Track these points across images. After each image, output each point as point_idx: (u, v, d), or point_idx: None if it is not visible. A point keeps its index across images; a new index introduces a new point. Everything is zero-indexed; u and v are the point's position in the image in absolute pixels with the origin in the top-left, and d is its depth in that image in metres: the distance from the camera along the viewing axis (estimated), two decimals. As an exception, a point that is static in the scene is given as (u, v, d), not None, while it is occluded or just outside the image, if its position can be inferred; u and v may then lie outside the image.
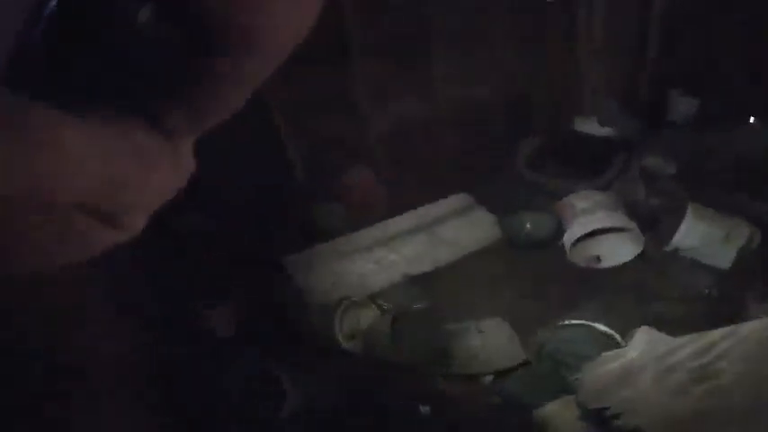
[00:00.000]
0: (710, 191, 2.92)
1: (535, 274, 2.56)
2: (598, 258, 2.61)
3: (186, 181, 0.32)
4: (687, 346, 1.82)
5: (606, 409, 1.76)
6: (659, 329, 2.15)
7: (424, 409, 1.99)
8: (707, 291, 2.41)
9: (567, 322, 2.20)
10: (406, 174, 3.03)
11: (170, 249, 2.45)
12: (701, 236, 2.52)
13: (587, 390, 1.88)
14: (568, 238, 2.63)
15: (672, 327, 2.19)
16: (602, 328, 2.14)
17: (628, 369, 1.86)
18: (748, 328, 1.78)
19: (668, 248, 2.56)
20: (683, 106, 3.48)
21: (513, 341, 2.20)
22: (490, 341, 2.17)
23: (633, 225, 2.61)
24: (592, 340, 2.11)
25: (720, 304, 2.34)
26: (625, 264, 2.57)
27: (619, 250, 2.62)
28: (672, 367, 1.77)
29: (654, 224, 2.73)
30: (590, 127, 3.29)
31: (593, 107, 3.38)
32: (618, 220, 2.62)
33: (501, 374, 2.10)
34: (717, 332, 1.81)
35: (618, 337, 2.11)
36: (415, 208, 2.94)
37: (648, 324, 2.19)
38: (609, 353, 1.99)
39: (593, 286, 2.47)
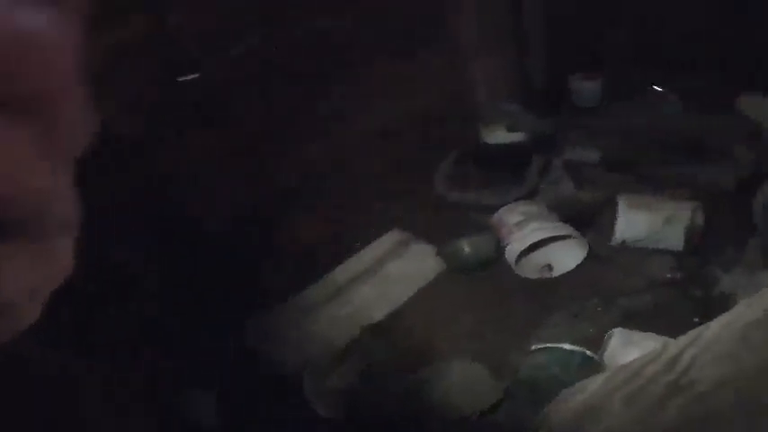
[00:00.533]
0: (638, 169, 2.93)
1: (493, 297, 2.45)
2: (549, 267, 2.53)
3: (63, 275, 0.31)
4: (654, 362, 1.74)
5: None
6: (633, 325, 2.10)
7: None
8: (669, 275, 2.36)
9: (534, 347, 2.09)
10: (332, 217, 2.96)
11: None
12: (641, 225, 2.47)
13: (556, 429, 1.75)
14: (509, 256, 2.53)
15: (645, 319, 2.15)
16: (568, 347, 2.03)
17: (597, 397, 1.71)
18: (711, 331, 1.71)
19: (614, 243, 2.52)
20: (586, 90, 3.49)
21: (484, 378, 2.08)
22: (460, 383, 2.06)
23: (570, 230, 2.54)
24: (564, 361, 2.01)
25: (688, 283, 2.31)
26: (579, 267, 2.48)
27: (565, 255, 2.54)
28: (643, 385, 1.69)
29: (592, 219, 2.70)
30: (499, 136, 3.24)
31: (496, 114, 3.35)
32: (553, 228, 2.54)
33: (484, 413, 1.99)
34: (680, 341, 1.66)
35: (588, 352, 2.01)
36: (350, 252, 2.84)
37: (621, 323, 2.14)
38: (571, 388, 1.80)
39: (554, 297, 2.38)
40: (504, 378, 2.08)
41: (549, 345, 2.06)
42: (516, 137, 3.19)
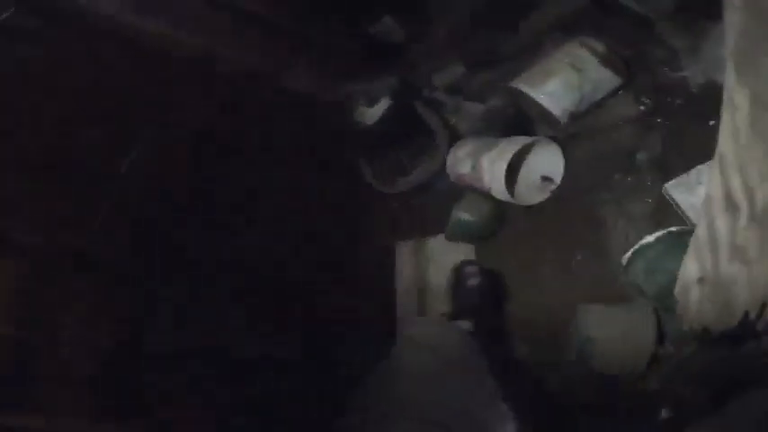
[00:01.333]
0: (500, 51, 2.76)
1: (535, 240, 2.25)
2: (548, 179, 2.30)
3: None
4: (717, 212, 1.52)
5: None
6: (668, 169, 1.96)
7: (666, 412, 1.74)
8: (642, 107, 2.18)
9: (625, 259, 1.86)
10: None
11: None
12: (562, 92, 2.26)
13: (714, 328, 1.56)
14: (502, 197, 2.27)
15: (668, 154, 2.02)
16: (652, 238, 1.79)
17: (711, 278, 1.52)
18: (728, 147, 1.51)
19: (566, 122, 2.31)
20: (386, 25, 3.22)
21: (621, 315, 1.84)
22: (611, 332, 1.81)
23: (523, 138, 2.30)
24: (663, 253, 1.76)
25: (667, 102, 2.13)
26: (567, 162, 2.30)
27: (545, 161, 2.32)
28: (732, 241, 1.49)
29: (524, 119, 2.52)
30: (370, 115, 2.98)
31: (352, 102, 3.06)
32: (509, 145, 2.29)
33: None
34: (713, 173, 1.53)
35: (673, 228, 1.79)
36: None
37: (657, 176, 1.99)
38: (677, 286, 1.62)
39: (582, 204, 2.17)
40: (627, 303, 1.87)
41: (634, 248, 1.83)
42: (382, 105, 2.94)
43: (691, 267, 1.57)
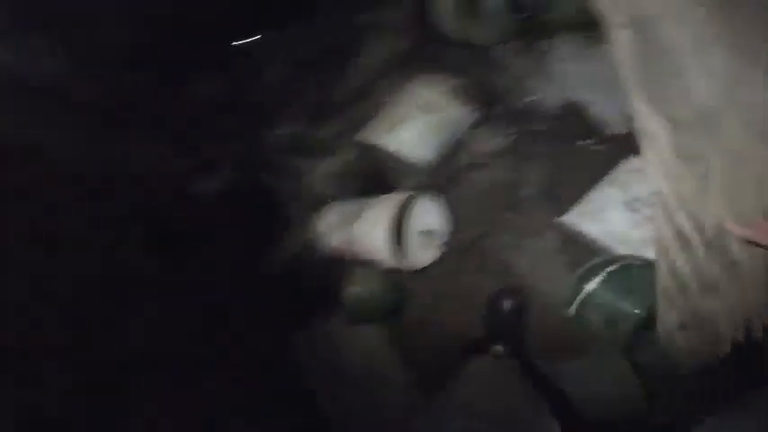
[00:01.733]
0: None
1: (454, 302, 1.95)
2: (430, 233, 2.04)
3: None
4: (674, 255, 1.34)
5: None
6: (560, 201, 1.80)
7: None
8: (532, 127, 2.02)
9: (573, 311, 1.62)
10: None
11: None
12: (423, 134, 2.10)
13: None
14: (387, 261, 1.98)
15: (557, 178, 1.86)
16: (595, 281, 1.57)
17: (687, 315, 1.39)
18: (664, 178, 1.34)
19: (445, 159, 2.12)
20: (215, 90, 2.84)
21: (605, 366, 1.62)
22: (599, 383, 1.60)
23: (394, 196, 2.04)
24: (617, 298, 1.56)
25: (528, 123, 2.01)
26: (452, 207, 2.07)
27: (429, 213, 2.06)
28: (696, 268, 1.34)
29: (379, 174, 2.27)
30: (211, 187, 2.59)
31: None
32: (382, 205, 2.02)
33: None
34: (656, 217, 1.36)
35: (612, 267, 1.57)
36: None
37: (551, 209, 1.83)
38: (663, 334, 1.46)
39: (493, 249, 1.92)
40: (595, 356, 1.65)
41: (580, 298, 1.59)
42: (222, 176, 2.57)
43: (668, 318, 1.41)
